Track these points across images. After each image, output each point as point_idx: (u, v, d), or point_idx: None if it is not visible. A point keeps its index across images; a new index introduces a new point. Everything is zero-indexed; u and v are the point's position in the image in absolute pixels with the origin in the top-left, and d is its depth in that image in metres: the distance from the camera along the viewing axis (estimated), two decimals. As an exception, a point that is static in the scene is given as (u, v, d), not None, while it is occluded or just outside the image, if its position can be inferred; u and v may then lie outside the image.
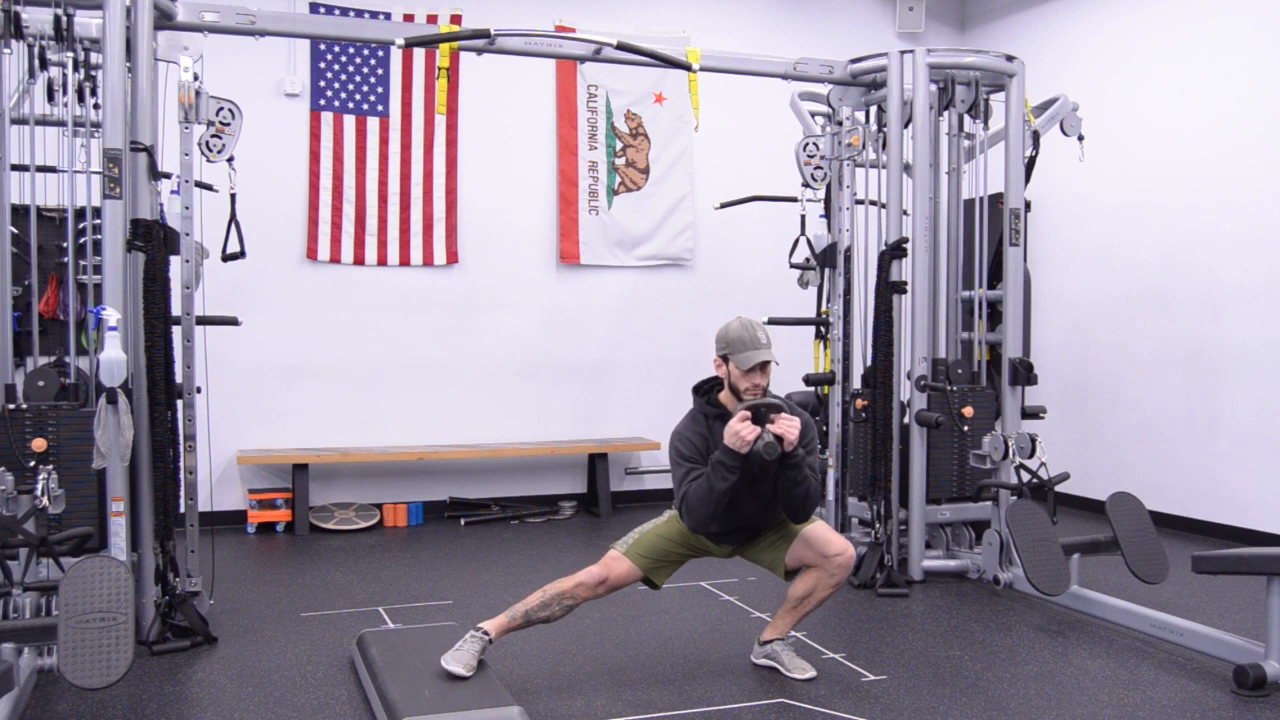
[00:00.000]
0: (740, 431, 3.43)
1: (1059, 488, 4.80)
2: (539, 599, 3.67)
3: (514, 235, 7.32)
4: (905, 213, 5.31)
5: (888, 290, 5.20)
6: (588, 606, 3.89)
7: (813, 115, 6.00)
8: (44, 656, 3.56)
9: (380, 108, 6.96)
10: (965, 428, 5.28)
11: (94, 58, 4.35)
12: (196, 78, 4.41)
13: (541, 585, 3.72)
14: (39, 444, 3.95)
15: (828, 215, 5.77)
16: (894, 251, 5.20)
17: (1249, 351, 6.18)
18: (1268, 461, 6.07)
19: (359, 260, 6.94)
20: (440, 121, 7.06)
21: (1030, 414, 5.45)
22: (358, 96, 6.91)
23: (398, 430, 7.04)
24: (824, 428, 5.64)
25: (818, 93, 5.95)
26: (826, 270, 5.78)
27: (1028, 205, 6.12)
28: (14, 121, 4.32)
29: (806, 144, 5.55)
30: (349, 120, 6.90)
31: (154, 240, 4.12)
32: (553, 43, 5.12)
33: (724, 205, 6.90)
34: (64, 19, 4.13)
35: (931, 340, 5.42)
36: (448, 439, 7.10)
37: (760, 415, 3.46)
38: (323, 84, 6.85)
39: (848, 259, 5.55)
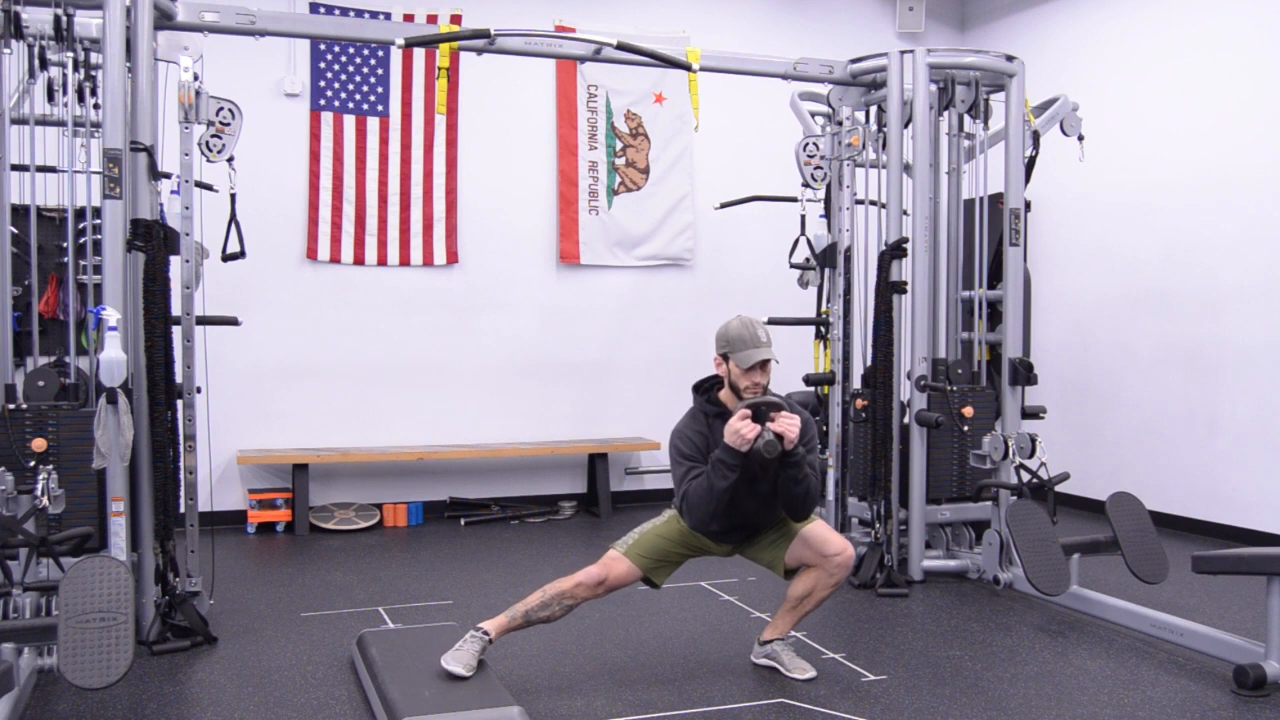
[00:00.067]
0: (741, 430, 3.43)
1: (1059, 488, 4.80)
2: (539, 599, 3.67)
3: (514, 235, 7.32)
4: (905, 213, 5.31)
5: (888, 290, 5.20)
6: (588, 606, 3.89)
7: (813, 115, 6.00)
8: (44, 656, 3.56)
9: (380, 108, 6.96)
10: (965, 428, 5.28)
11: (94, 58, 4.34)
12: (196, 78, 4.41)
13: (541, 585, 3.72)
14: (39, 444, 3.95)
15: (828, 215, 5.77)
16: (894, 251, 5.20)
17: (1249, 351, 6.18)
18: (1268, 461, 6.07)
19: (359, 260, 6.94)
20: (440, 121, 7.06)
21: (1030, 414, 5.45)
22: (358, 96, 6.91)
23: (398, 430, 7.04)
24: (824, 428, 5.64)
25: (818, 93, 5.95)
26: (826, 270, 5.78)
27: (1028, 205, 6.12)
28: (14, 121, 4.32)
29: (806, 144, 5.55)
30: (349, 120, 6.90)
31: (154, 240, 4.12)
32: (553, 43, 5.12)
33: (724, 205, 6.90)
34: (64, 19, 4.13)
35: (931, 340, 5.42)
36: (448, 439, 7.11)
37: (760, 414, 3.46)
38: (323, 84, 6.85)
39: (848, 259, 5.55)
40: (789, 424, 3.45)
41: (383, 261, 6.99)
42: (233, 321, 4.80)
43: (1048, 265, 7.53)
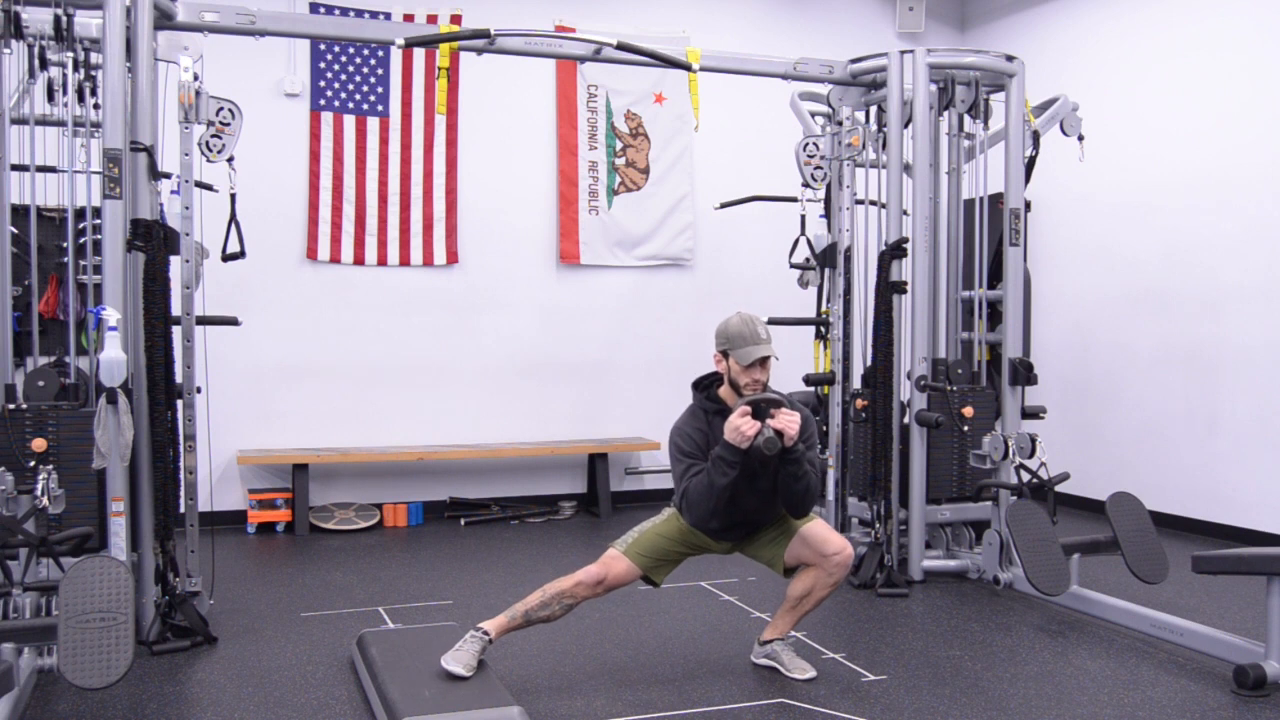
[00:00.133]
0: (741, 427, 3.43)
1: (1059, 488, 4.80)
2: (538, 598, 3.67)
3: (514, 235, 7.32)
4: (905, 213, 5.31)
5: (888, 290, 5.20)
6: (588, 606, 3.89)
7: (813, 115, 6.00)
8: (44, 656, 3.56)
9: (380, 108, 6.96)
10: (965, 428, 5.28)
11: (94, 58, 4.34)
12: (196, 78, 4.41)
13: (541, 585, 3.72)
14: (39, 444, 3.95)
15: (828, 215, 5.77)
16: (894, 251, 5.20)
17: (1249, 351, 6.18)
18: (1268, 461, 6.07)
19: (359, 260, 6.94)
20: (440, 121, 7.06)
21: (1030, 414, 5.45)
22: (358, 96, 6.91)
23: (398, 430, 7.04)
24: (824, 428, 5.63)
25: (818, 93, 5.95)
26: (826, 270, 5.78)
27: (1028, 205, 6.12)
28: (14, 121, 4.32)
29: (806, 144, 5.55)
30: (349, 120, 6.90)
31: (154, 240, 4.12)
32: (553, 43, 5.12)
33: (724, 205, 6.90)
34: (64, 19, 4.13)
35: (931, 340, 5.41)
36: (448, 439, 7.11)
37: (760, 410, 3.46)
38: (323, 84, 6.85)
39: (848, 259, 5.55)
40: (789, 421, 3.45)
41: (383, 261, 6.99)
42: (233, 321, 4.80)
43: (1048, 265, 7.53)
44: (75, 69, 4.32)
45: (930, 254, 5.36)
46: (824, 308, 5.91)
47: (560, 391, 7.40)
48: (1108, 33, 7.20)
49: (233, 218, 4.63)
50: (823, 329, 5.98)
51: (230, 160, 4.52)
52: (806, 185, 5.59)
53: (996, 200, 5.56)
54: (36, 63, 4.19)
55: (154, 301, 4.11)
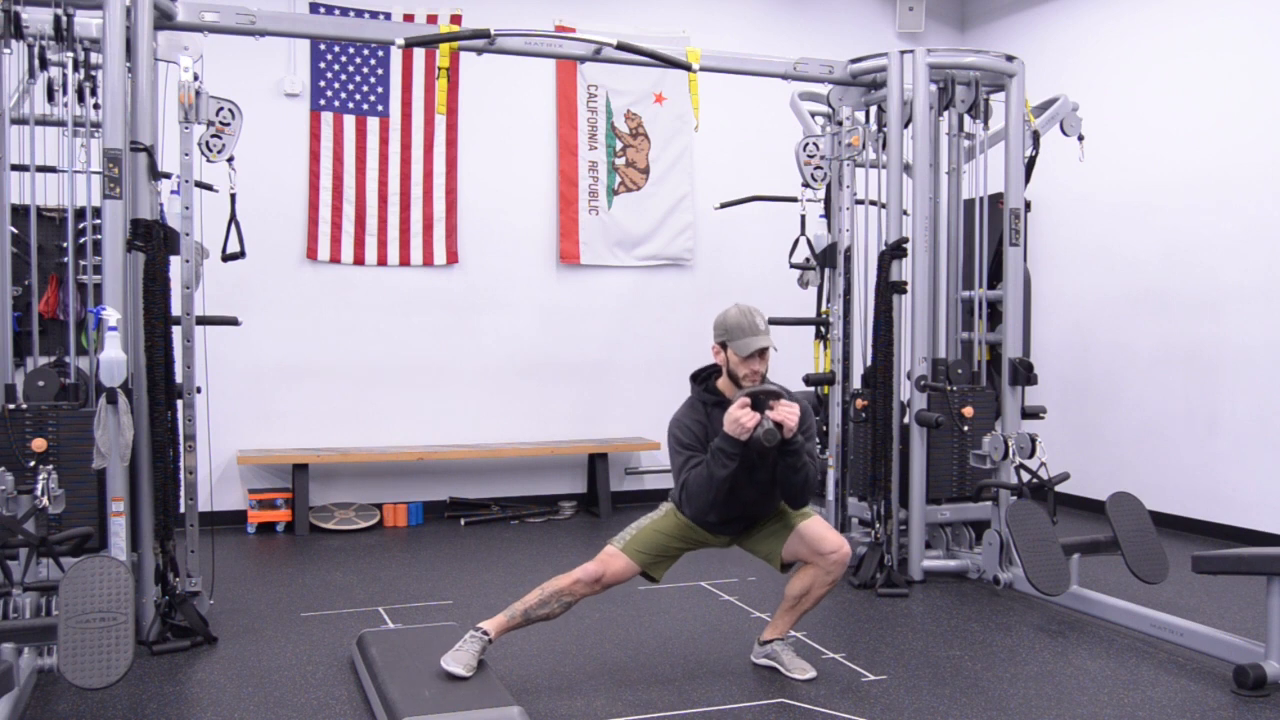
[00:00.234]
0: (740, 418, 3.42)
1: (1059, 488, 4.80)
2: (537, 597, 3.66)
3: (514, 235, 7.32)
4: (905, 213, 5.31)
5: (888, 290, 5.20)
6: (588, 606, 3.89)
7: (813, 115, 6.00)
8: (44, 656, 3.56)
9: (380, 108, 6.96)
10: (965, 428, 5.28)
11: (94, 58, 4.34)
12: (196, 78, 4.41)
13: (540, 584, 3.72)
14: (39, 444, 3.95)
15: (828, 215, 5.77)
16: (894, 251, 5.20)
17: (1249, 351, 6.18)
18: (1268, 461, 6.07)
19: (359, 260, 6.94)
20: (440, 121, 7.06)
21: (1030, 414, 5.45)
22: (358, 96, 6.91)
23: (398, 430, 7.04)
24: (824, 428, 5.64)
25: (818, 93, 5.95)
26: (826, 270, 5.78)
27: (1028, 205, 6.12)
28: (14, 121, 4.32)
29: (806, 144, 5.55)
30: (349, 120, 6.90)
31: (154, 240, 4.12)
32: (553, 43, 5.12)
33: (724, 205, 6.90)
34: (64, 19, 4.13)
35: (931, 340, 5.41)
36: (448, 439, 7.11)
37: (759, 402, 3.45)
38: (323, 84, 6.85)
39: (848, 259, 5.55)
40: (788, 412, 3.45)
41: (383, 261, 6.99)
42: (233, 321, 4.80)
43: (1048, 265, 7.53)
44: (75, 69, 4.31)
45: (930, 254, 5.36)
46: (824, 308, 5.91)
47: (560, 391, 7.40)
48: (1108, 33, 7.20)
49: (233, 218, 4.63)
50: (823, 329, 5.98)
51: (230, 160, 4.52)
52: (806, 185, 5.59)
53: (996, 200, 5.56)
54: (36, 63, 4.19)
55: (154, 301, 4.11)
